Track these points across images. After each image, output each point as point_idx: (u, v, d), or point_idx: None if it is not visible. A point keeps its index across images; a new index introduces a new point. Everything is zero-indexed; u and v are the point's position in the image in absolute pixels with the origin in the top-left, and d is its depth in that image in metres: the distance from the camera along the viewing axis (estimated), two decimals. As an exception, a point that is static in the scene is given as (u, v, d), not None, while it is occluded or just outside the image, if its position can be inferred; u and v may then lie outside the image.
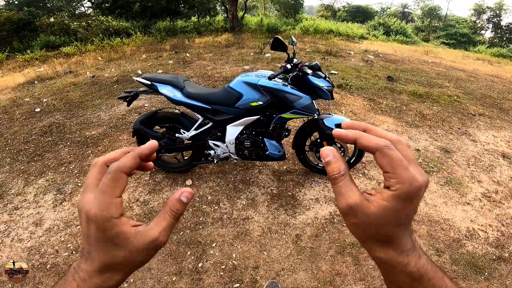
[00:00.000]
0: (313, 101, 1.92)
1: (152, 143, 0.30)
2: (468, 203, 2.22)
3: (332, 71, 5.31)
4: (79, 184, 2.36)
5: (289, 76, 1.85)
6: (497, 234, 1.95)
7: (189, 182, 2.28)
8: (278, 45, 1.76)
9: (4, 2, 13.88)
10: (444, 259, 1.76)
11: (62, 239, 1.86)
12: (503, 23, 22.92)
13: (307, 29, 11.57)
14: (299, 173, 2.40)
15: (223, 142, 2.03)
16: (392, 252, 0.27)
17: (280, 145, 2.08)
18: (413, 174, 0.25)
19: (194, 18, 13.54)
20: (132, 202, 2.15)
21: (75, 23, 10.27)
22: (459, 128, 3.48)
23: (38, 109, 3.88)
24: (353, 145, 2.13)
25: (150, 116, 2.03)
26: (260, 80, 1.84)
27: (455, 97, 4.59)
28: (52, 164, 2.64)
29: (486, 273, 1.66)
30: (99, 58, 7.22)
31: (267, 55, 6.44)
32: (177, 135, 2.09)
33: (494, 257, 1.77)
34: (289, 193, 2.20)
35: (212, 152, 2.08)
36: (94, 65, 6.51)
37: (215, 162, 2.07)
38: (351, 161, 2.20)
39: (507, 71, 8.36)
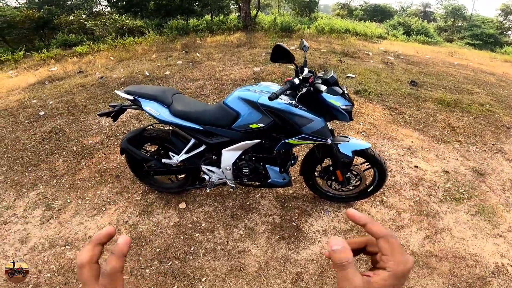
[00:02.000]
0: (327, 123, 1.57)
1: (126, 240, 0.31)
2: (500, 235, 1.94)
3: (349, 75, 4.94)
4: (68, 200, 2.21)
5: (298, 92, 1.42)
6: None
7: (182, 205, 2.05)
8: (281, 55, 1.35)
9: (25, 1, 14.24)
10: (462, 299, 1.49)
11: (46, 259, 1.78)
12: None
13: (322, 28, 11.09)
14: (307, 200, 2.11)
15: (219, 167, 1.75)
16: None
17: (286, 172, 1.76)
18: (407, 257, 0.32)
19: (207, 17, 13.38)
20: (120, 224, 1.97)
21: (90, 22, 10.37)
22: (493, 145, 3.06)
23: (42, 113, 3.82)
24: (372, 172, 1.88)
25: (137, 134, 1.79)
26: (260, 98, 1.48)
27: (487, 105, 4.10)
28: (45, 176, 2.53)
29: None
30: (111, 57, 7.19)
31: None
32: (164, 161, 1.82)
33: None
34: (293, 223, 1.92)
35: (207, 176, 1.82)
36: (105, 65, 6.47)
37: (208, 190, 1.81)
38: (369, 190, 1.90)
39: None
